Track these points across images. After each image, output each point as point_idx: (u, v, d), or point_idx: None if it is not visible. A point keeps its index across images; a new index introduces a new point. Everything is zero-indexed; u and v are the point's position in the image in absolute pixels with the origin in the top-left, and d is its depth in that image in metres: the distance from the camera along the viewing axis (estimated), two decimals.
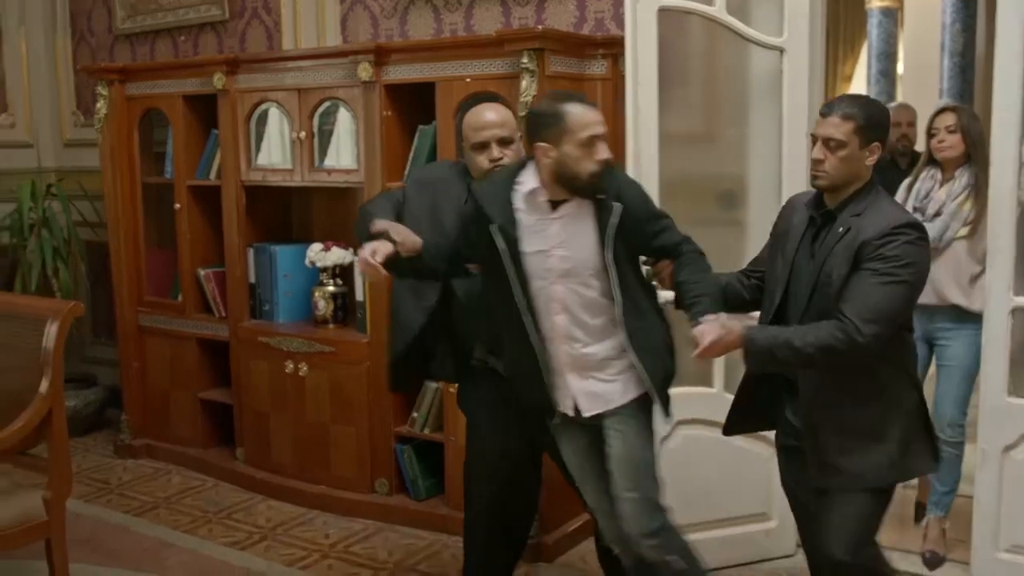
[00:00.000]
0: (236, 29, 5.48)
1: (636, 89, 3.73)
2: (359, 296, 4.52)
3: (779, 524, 3.93)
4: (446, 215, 3.16)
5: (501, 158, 3.15)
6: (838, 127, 2.68)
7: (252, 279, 4.89)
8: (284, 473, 4.78)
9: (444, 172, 3.38)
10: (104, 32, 6.14)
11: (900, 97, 10.05)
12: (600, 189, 2.82)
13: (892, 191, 3.94)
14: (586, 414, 2.98)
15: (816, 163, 2.73)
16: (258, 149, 4.79)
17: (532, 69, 3.80)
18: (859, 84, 11.08)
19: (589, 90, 4.07)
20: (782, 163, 3.79)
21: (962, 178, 3.85)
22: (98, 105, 5.26)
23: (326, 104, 4.51)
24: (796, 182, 3.64)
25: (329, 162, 4.56)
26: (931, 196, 3.91)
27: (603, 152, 2.80)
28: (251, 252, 4.87)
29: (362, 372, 4.44)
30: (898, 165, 4.72)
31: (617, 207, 2.82)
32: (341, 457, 4.59)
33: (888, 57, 10.57)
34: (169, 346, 5.25)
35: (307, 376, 4.60)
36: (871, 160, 2.73)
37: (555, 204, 2.85)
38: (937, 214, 3.84)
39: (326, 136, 4.57)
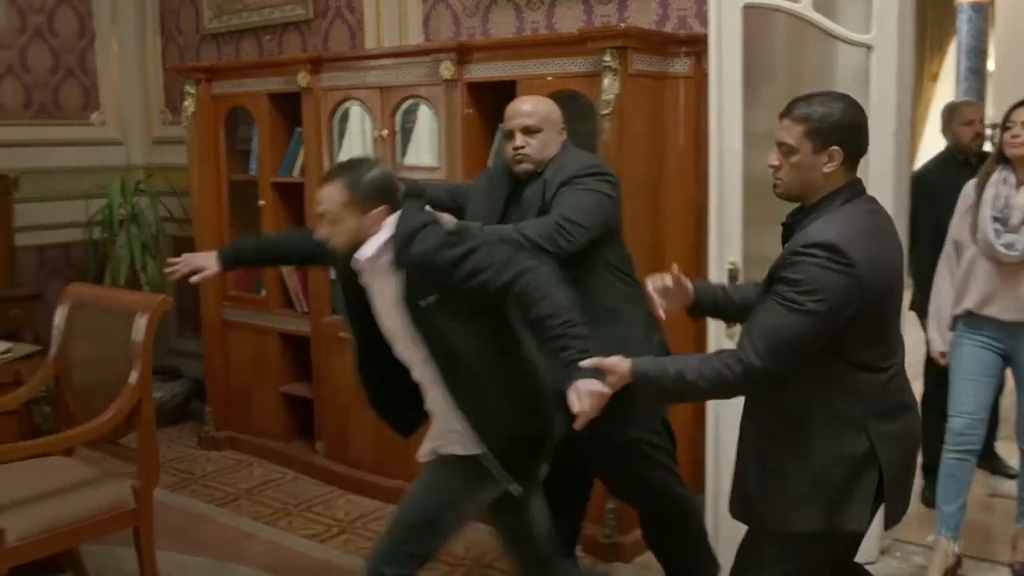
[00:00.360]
0: (320, 28, 5.55)
1: (720, 87, 3.70)
2: None
3: None
4: (487, 203, 3.29)
5: (523, 147, 3.20)
6: (789, 130, 2.45)
7: (333, 275, 4.94)
8: (363, 467, 4.83)
9: (502, 162, 3.44)
10: (192, 32, 6.26)
11: (991, 95, 9.81)
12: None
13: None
14: (422, 458, 2.98)
15: (773, 170, 2.51)
16: (340, 147, 4.85)
17: (615, 68, 3.78)
18: (947, 82, 10.86)
19: (671, 88, 4.05)
20: (868, 163, 3.71)
21: None
22: (186, 103, 5.37)
23: (408, 102, 4.55)
24: (882, 183, 3.58)
25: (409, 160, 4.60)
26: (1011, 203, 3.57)
27: (319, 232, 2.82)
28: None
29: None
30: (971, 166, 4.38)
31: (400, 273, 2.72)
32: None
33: (978, 54, 10.32)
34: (252, 340, 5.34)
35: None
36: (830, 167, 2.42)
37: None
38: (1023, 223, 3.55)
39: (407, 134, 4.61)
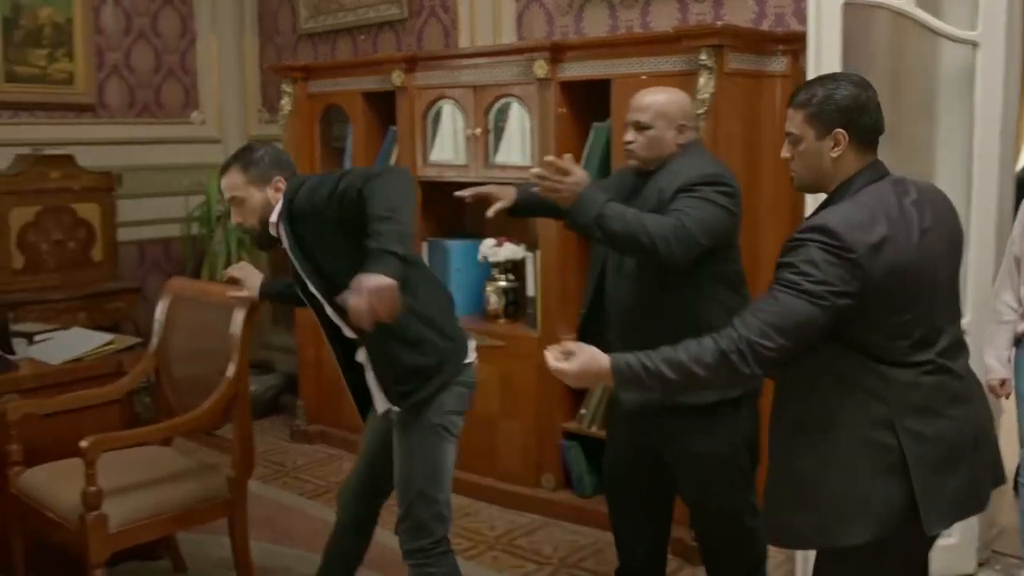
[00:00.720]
0: (414, 27, 5.60)
1: None
2: (530, 292, 4.56)
3: (960, 540, 3.76)
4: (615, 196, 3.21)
5: (631, 142, 3.12)
6: (792, 118, 2.36)
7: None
8: None
9: None
10: (288, 32, 6.37)
11: None
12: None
13: None
14: (380, 411, 3.10)
15: (785, 162, 2.45)
16: (432, 145, 4.89)
17: (710, 66, 3.75)
18: None
19: (768, 87, 3.99)
20: (972, 163, 3.62)
21: None
22: (282, 102, 5.46)
23: (501, 101, 4.56)
24: (987, 183, 3.49)
25: (500, 159, 4.61)
26: None
27: (234, 219, 3.09)
28: (425, 246, 4.97)
29: (531, 367, 4.47)
30: None
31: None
32: (508, 450, 4.63)
33: None
34: None
35: (477, 369, 4.65)
36: (837, 151, 2.31)
37: None
38: None
39: (498, 133, 4.62)
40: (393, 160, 5.08)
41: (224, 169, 3.05)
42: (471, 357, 3.12)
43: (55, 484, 3.39)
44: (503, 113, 4.60)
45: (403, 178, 2.74)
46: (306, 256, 2.94)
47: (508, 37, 5.12)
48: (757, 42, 3.98)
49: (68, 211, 5.69)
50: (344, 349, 3.12)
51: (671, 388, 2.27)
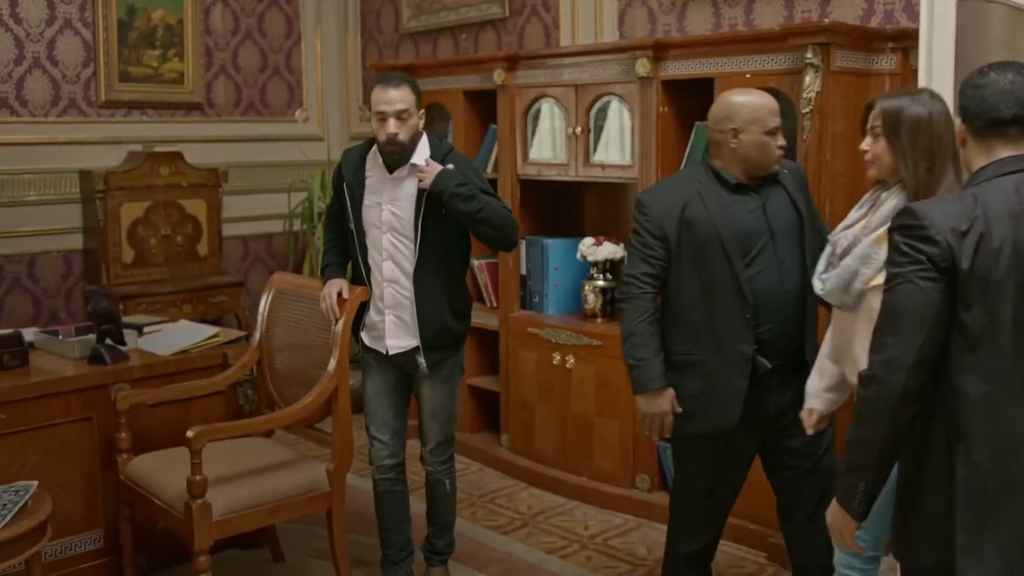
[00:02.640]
0: (515, 26, 5.61)
1: (929, 84, 3.52)
2: None
3: None
4: None
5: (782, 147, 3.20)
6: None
7: (524, 271, 5.00)
8: (547, 462, 4.86)
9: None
10: (391, 31, 6.44)
11: None
12: (398, 160, 3.51)
13: None
14: (394, 351, 3.61)
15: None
16: (531, 144, 4.89)
17: (816, 64, 3.68)
18: None
19: (876, 85, 3.90)
20: None
21: (889, 201, 2.73)
22: None
23: (602, 100, 4.54)
24: None
25: (599, 157, 4.59)
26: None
27: (390, 129, 3.47)
28: (523, 244, 4.98)
29: None
30: None
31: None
32: (603, 450, 4.62)
33: None
34: None
35: (574, 368, 4.66)
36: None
37: (390, 167, 3.54)
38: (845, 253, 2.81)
39: (597, 132, 4.60)
40: (493, 158, 5.09)
41: (398, 83, 3.47)
42: None
43: (162, 472, 3.48)
44: (603, 112, 4.58)
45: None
46: (423, 198, 3.48)
47: (609, 35, 5.10)
48: (865, 40, 3.89)
49: (176, 207, 5.84)
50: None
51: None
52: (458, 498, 4.70)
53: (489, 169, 5.13)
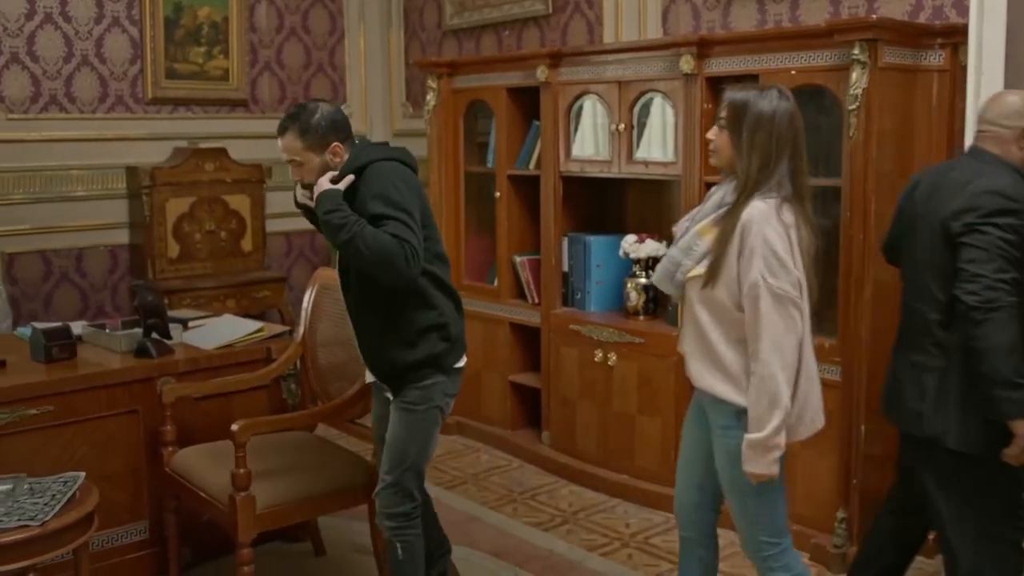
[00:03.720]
0: (558, 23, 5.60)
1: (979, 80, 3.49)
2: None
3: None
4: None
5: None
6: None
7: (566, 267, 4.99)
8: (587, 459, 4.85)
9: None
10: (434, 28, 6.46)
11: None
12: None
13: None
14: (367, 381, 3.30)
15: None
16: (573, 140, 4.88)
17: (863, 61, 3.64)
18: None
19: (924, 82, 3.86)
20: None
21: (716, 193, 2.82)
22: (427, 97, 5.54)
23: (645, 96, 4.53)
24: None
25: (641, 154, 4.58)
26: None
27: (292, 174, 3.15)
28: (566, 241, 4.97)
29: (670, 365, 4.43)
30: None
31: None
32: (645, 448, 4.60)
33: None
34: (483, 329, 5.44)
35: (615, 366, 4.64)
36: None
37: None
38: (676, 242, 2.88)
39: (640, 128, 4.59)
40: (536, 155, 5.09)
41: (282, 130, 3.10)
42: (462, 363, 3.29)
43: (206, 465, 3.51)
44: (645, 108, 4.57)
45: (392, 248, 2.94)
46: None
47: (653, 32, 5.08)
48: (914, 35, 3.84)
49: (220, 202, 5.90)
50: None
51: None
52: (498, 494, 4.73)
53: (532, 166, 5.13)
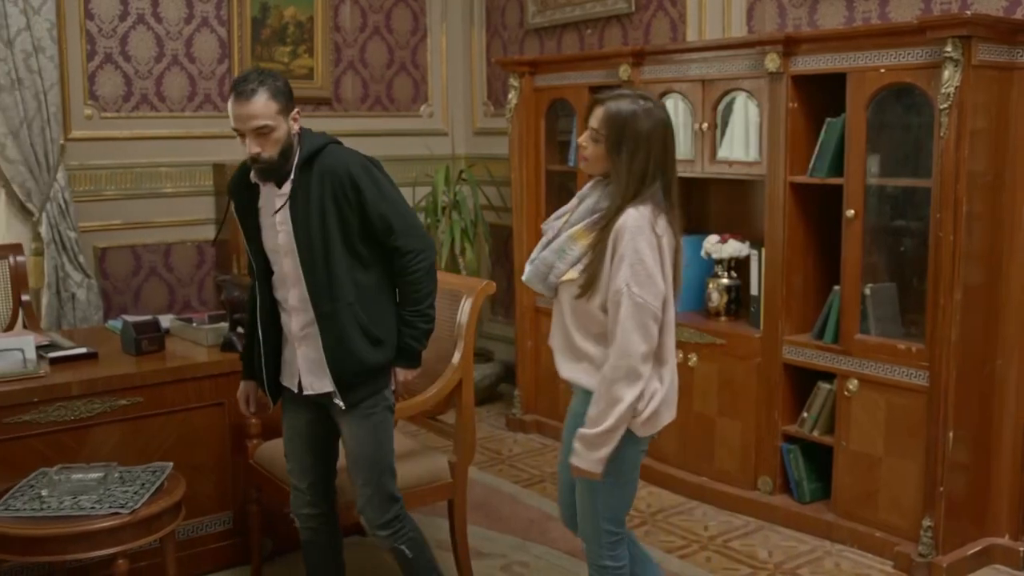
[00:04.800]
0: (641, 21, 5.57)
1: None
2: (753, 290, 4.46)
3: None
4: None
5: None
6: None
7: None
8: (667, 461, 4.81)
9: None
10: (516, 26, 6.46)
11: None
12: (268, 176, 2.92)
13: None
14: (308, 391, 3.07)
15: None
16: None
17: (956, 58, 3.56)
18: None
19: (1020, 80, 3.76)
20: None
21: (589, 199, 2.79)
22: (509, 96, 5.55)
23: (730, 95, 4.48)
24: None
25: (723, 153, 4.53)
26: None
27: (251, 148, 2.87)
28: None
29: (752, 367, 4.38)
30: None
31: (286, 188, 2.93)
32: (725, 451, 4.56)
33: None
34: None
35: (696, 367, 4.60)
36: None
37: (280, 182, 2.96)
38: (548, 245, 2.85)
39: (722, 127, 4.54)
40: None
41: (251, 92, 2.84)
42: None
43: None
44: (728, 107, 4.52)
45: (433, 257, 3.07)
46: (297, 213, 2.93)
47: (737, 30, 5.02)
48: (1010, 32, 3.74)
49: None
50: (275, 322, 3.13)
51: None
52: None
53: None
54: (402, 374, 3.12)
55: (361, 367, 2.99)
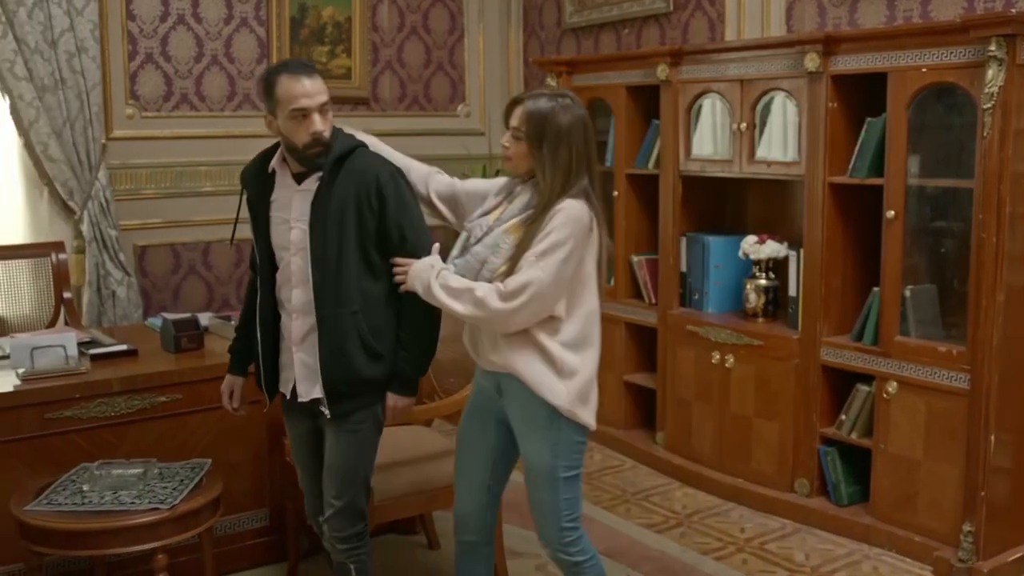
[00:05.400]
0: (679, 21, 5.55)
1: None
2: (791, 291, 4.43)
3: None
4: None
5: None
6: None
7: (683, 268, 4.95)
8: (702, 462, 4.80)
9: None
10: (553, 26, 6.46)
11: None
12: (318, 161, 2.87)
13: None
14: (302, 398, 3.00)
15: None
16: (692, 139, 4.83)
17: (1000, 58, 3.51)
18: None
19: None
20: None
21: (523, 195, 2.82)
22: None
23: (769, 95, 4.45)
24: None
25: (762, 153, 4.50)
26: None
27: (316, 125, 2.82)
28: (684, 241, 4.92)
29: (790, 368, 4.35)
30: None
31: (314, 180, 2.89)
32: (762, 452, 4.53)
33: None
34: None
35: (733, 368, 4.58)
36: None
37: (299, 177, 2.94)
38: (478, 241, 2.87)
39: (760, 127, 4.51)
40: (655, 154, 5.05)
41: (311, 71, 2.86)
42: None
43: None
44: (766, 107, 4.49)
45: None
46: (318, 210, 2.90)
47: (776, 29, 4.99)
48: None
49: None
50: (275, 320, 3.07)
51: None
52: (612, 494, 4.71)
53: (651, 165, 5.09)
54: (392, 399, 3.00)
55: (354, 377, 2.92)
